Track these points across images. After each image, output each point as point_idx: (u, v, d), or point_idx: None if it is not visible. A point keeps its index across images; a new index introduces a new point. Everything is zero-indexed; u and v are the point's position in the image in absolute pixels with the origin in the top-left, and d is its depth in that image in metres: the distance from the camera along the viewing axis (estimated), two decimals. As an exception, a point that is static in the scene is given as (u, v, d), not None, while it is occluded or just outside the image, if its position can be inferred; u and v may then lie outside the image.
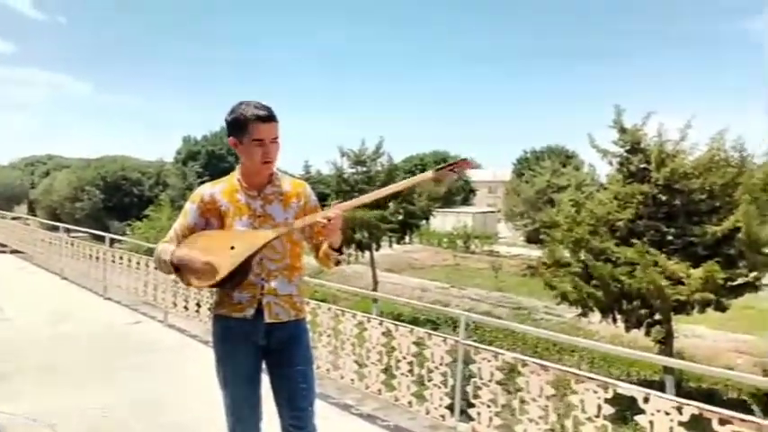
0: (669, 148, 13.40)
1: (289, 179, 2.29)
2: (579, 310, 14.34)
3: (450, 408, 3.81)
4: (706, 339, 18.79)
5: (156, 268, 2.24)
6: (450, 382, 3.82)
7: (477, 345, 3.71)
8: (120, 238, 9.75)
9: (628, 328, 13.62)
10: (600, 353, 15.28)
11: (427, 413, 3.92)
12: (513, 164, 56.78)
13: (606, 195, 14.40)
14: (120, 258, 7.86)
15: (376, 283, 23.26)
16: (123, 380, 4.49)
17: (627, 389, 2.95)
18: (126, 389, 4.27)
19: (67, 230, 10.44)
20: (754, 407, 11.88)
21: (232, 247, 2.03)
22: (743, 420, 2.55)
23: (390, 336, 4.19)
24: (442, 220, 43.66)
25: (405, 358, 4.08)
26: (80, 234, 10.78)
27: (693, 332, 18.63)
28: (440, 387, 3.86)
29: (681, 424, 2.73)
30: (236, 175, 2.22)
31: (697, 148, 13.48)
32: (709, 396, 13.25)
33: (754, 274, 12.40)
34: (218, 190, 2.20)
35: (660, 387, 11.26)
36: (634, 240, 12.75)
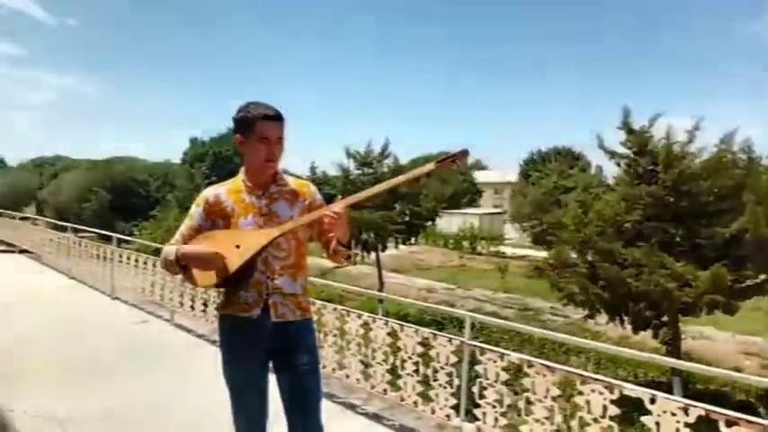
0: (677, 150, 13.35)
1: (293, 179, 2.30)
2: (586, 312, 14.30)
3: (456, 408, 3.81)
4: (714, 341, 18.68)
5: (163, 268, 2.23)
6: (456, 382, 3.81)
7: (482, 345, 3.71)
8: (127, 238, 9.78)
9: (635, 330, 13.57)
10: (606, 354, 15.21)
11: (433, 413, 3.92)
12: (519, 165, 56.68)
13: (614, 197, 14.34)
14: (128, 258, 7.89)
15: (382, 283, 23.27)
16: (130, 379, 4.52)
17: (633, 390, 2.94)
18: (133, 388, 4.30)
19: (75, 230, 10.50)
20: (761, 409, 11.81)
21: (237, 246, 2.04)
22: (750, 422, 2.54)
23: (396, 336, 4.19)
24: (449, 221, 43.61)
25: (410, 358, 4.08)
26: (88, 234, 10.84)
27: (702, 334, 18.53)
28: (445, 387, 3.86)
29: (687, 425, 2.72)
30: (240, 176, 2.23)
31: (705, 150, 13.43)
32: (717, 398, 13.15)
33: (762, 276, 12.33)
34: (223, 191, 2.22)
35: (667, 389, 11.21)
36: (641, 242, 12.72)
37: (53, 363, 4.83)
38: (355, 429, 3.81)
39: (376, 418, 4.03)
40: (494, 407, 3.57)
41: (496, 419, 3.56)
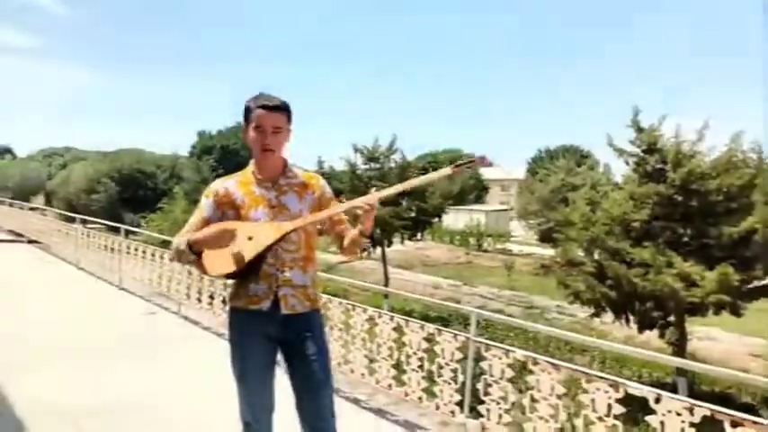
0: (686, 149, 13.26)
1: (302, 171, 2.31)
2: (592, 310, 14.27)
3: (460, 404, 3.81)
4: (720, 342, 18.60)
5: (172, 260, 2.24)
6: (461, 378, 3.82)
7: (488, 342, 3.71)
8: (135, 229, 9.82)
9: (641, 330, 13.52)
10: (612, 353, 15.18)
11: (437, 409, 3.93)
12: (527, 162, 56.52)
13: (622, 195, 14.27)
14: (136, 250, 7.93)
15: (387, 279, 23.28)
16: (137, 370, 4.55)
17: (638, 389, 2.94)
18: (138, 379, 4.33)
19: (84, 221, 10.56)
20: (764, 411, 11.77)
21: (249, 238, 2.06)
22: (755, 423, 2.53)
23: (401, 331, 4.19)
24: (455, 218, 43.61)
25: (415, 354, 4.09)
26: (96, 225, 10.89)
27: (708, 334, 18.44)
28: (450, 383, 3.86)
29: (692, 425, 2.71)
30: (250, 168, 2.25)
31: (715, 149, 13.34)
32: (722, 400, 13.11)
33: (770, 277, 12.26)
34: (233, 183, 2.23)
35: (672, 389, 11.18)
36: (649, 241, 12.66)
37: (58, 353, 4.86)
38: (360, 424, 3.82)
39: (380, 413, 4.04)
40: (498, 404, 3.57)
41: (500, 416, 3.56)
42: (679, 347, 12.74)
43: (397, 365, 4.25)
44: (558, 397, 3.27)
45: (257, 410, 2.25)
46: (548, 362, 3.35)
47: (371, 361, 4.42)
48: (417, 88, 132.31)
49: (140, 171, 42.04)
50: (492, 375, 3.60)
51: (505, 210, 53.80)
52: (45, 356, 4.75)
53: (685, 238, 12.93)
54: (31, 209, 17.59)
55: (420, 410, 4.05)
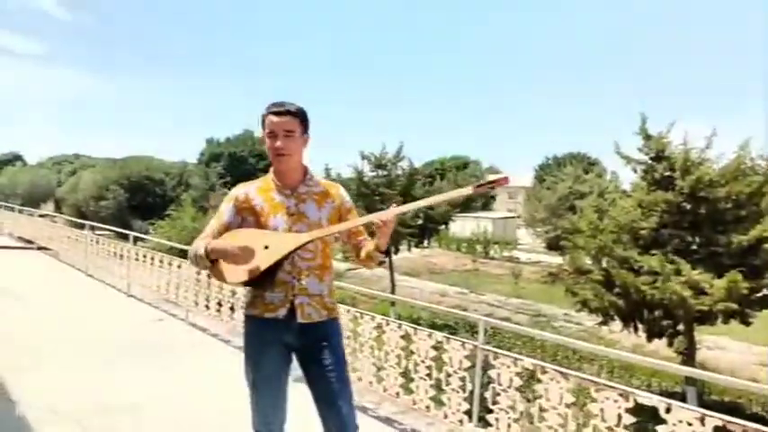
0: (694, 156, 13.20)
1: (323, 180, 2.33)
2: (600, 319, 14.19)
3: (469, 413, 3.79)
4: (729, 351, 18.44)
5: (191, 263, 2.25)
6: (469, 387, 3.80)
7: (496, 350, 3.68)
8: (143, 236, 9.88)
9: (649, 338, 13.43)
10: (620, 362, 15.08)
11: (445, 417, 3.90)
12: (534, 169, 56.40)
13: (629, 203, 14.22)
14: (144, 256, 7.97)
15: (394, 286, 23.25)
16: (145, 377, 4.55)
17: (648, 398, 2.91)
18: (147, 386, 4.33)
19: (93, 228, 10.63)
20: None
21: (266, 247, 2.07)
22: (768, 434, 2.51)
23: (409, 339, 4.18)
24: (462, 225, 43.55)
25: (423, 362, 4.07)
26: (105, 232, 10.97)
27: (716, 344, 18.28)
28: (458, 392, 3.84)
29: (703, 436, 2.68)
30: (270, 175, 2.26)
31: (724, 156, 13.27)
32: (731, 410, 12.98)
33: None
34: (253, 189, 2.25)
35: (681, 399, 11.08)
36: (657, 249, 12.59)
37: (65, 357, 4.88)
38: (367, 432, 3.81)
39: (388, 421, 4.03)
40: (507, 413, 3.54)
41: (509, 426, 3.53)
42: (688, 356, 12.63)
43: (405, 373, 4.23)
44: (567, 406, 3.25)
45: (270, 420, 2.25)
46: (556, 370, 3.33)
47: (379, 369, 4.41)
48: (427, 95, 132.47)
49: (149, 178, 42.34)
50: (500, 384, 3.58)
51: (512, 217, 53.70)
52: (53, 361, 4.77)
53: (694, 246, 12.87)
54: (41, 215, 17.70)
55: (428, 419, 4.03)
